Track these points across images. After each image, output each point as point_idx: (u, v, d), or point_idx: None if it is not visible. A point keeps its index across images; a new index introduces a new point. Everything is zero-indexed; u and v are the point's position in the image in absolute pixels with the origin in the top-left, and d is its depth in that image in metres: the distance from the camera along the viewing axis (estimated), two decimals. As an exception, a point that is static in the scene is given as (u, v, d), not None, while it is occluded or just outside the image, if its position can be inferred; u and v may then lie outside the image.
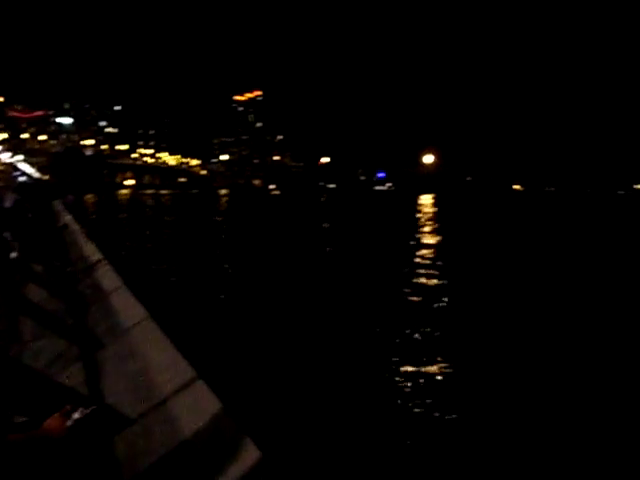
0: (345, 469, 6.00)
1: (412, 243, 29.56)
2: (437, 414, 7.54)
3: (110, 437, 3.43)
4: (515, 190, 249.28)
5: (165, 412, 3.80)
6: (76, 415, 1.84)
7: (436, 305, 14.39)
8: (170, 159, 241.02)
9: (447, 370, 9.30)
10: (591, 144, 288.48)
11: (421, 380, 8.79)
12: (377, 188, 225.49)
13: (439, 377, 9.01)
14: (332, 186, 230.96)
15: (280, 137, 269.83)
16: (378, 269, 20.00)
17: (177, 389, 4.04)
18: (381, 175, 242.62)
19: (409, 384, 8.55)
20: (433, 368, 9.36)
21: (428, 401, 7.98)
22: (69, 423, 1.81)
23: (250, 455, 3.17)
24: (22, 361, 4.58)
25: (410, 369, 9.30)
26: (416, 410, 7.71)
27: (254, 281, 17.32)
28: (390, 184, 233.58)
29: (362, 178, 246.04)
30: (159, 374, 4.42)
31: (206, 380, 4.07)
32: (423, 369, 9.30)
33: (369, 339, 11.07)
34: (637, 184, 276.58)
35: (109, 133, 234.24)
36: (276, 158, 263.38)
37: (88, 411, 1.85)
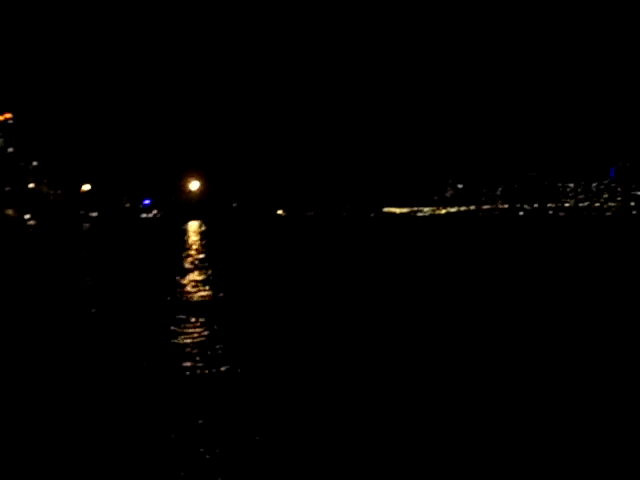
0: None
1: (178, 266, 30.59)
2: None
3: None
4: (279, 215, 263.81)
5: None
6: None
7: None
8: None
9: None
10: (344, 172, 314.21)
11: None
12: (143, 216, 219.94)
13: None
14: (94, 214, 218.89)
15: (35, 163, 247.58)
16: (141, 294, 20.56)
17: None
18: (147, 202, 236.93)
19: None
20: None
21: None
22: None
23: None
24: None
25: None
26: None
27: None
28: (156, 211, 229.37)
29: (127, 205, 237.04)
30: None
31: None
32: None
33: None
34: (385, 207, 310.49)
35: None
36: (31, 186, 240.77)
37: None
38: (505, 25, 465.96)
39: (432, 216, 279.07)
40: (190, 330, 13.09)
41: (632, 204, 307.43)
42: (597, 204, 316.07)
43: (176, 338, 12.29)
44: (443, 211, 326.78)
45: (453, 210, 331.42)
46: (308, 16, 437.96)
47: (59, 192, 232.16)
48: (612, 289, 20.20)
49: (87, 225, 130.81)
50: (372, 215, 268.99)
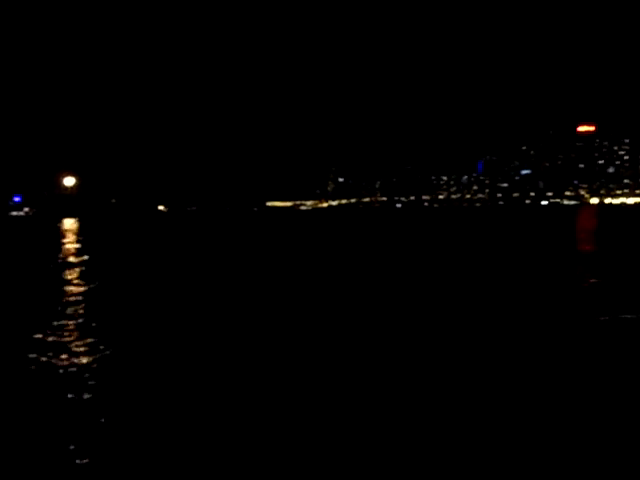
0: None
1: (60, 263, 30.29)
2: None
3: None
4: (160, 210, 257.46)
5: None
6: None
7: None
8: None
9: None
10: (227, 166, 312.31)
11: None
12: (14, 213, 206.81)
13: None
14: None
15: None
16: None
17: None
18: (17, 199, 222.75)
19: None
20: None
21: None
22: None
23: None
24: None
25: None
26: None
27: None
28: (28, 209, 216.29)
29: None
30: None
31: None
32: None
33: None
34: (269, 201, 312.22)
35: None
36: None
37: None
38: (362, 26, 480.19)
39: (315, 209, 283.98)
40: (58, 325, 13.22)
41: (499, 195, 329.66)
42: (468, 196, 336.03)
43: (45, 334, 12.36)
44: (325, 204, 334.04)
45: (335, 203, 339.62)
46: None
47: None
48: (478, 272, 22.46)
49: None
50: (255, 209, 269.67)
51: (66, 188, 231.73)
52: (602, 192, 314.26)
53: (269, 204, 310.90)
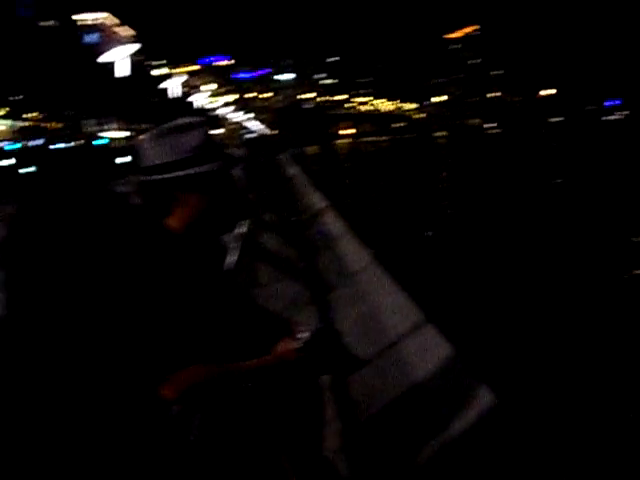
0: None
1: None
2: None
3: (344, 377, 3.41)
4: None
5: (396, 355, 3.74)
6: (304, 335, 1.78)
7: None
8: (386, 105, 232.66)
9: None
10: None
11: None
12: (605, 118, 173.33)
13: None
14: (556, 120, 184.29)
15: (498, 72, 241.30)
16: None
17: (407, 331, 3.97)
18: (610, 103, 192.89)
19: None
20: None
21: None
22: (298, 345, 1.75)
23: (486, 402, 2.96)
24: (260, 303, 3.63)
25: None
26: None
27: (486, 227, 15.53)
28: (624, 112, 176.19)
29: (590, 108, 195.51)
30: (388, 317, 4.36)
31: (436, 323, 3.93)
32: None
33: None
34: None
35: (327, 85, 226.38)
36: (494, 95, 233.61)
37: (314, 332, 1.79)
38: None
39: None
40: None
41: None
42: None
43: None
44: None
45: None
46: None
47: (519, 99, 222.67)
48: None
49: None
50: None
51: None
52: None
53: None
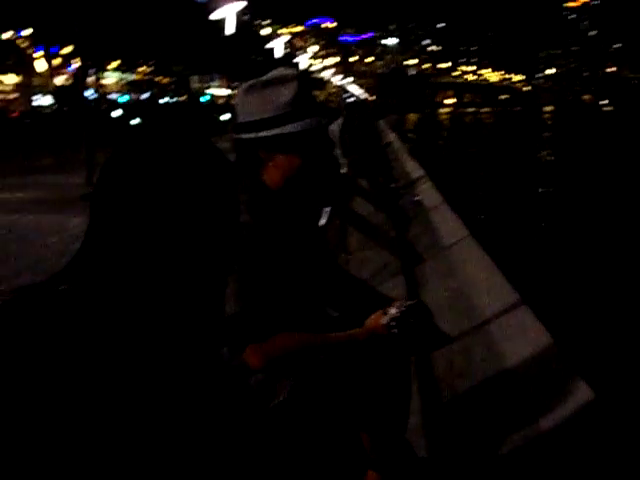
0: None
1: None
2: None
3: (429, 353, 3.34)
4: None
5: (486, 334, 3.59)
6: (393, 310, 1.70)
7: None
8: (492, 75, 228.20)
9: None
10: None
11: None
12: None
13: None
14: None
15: (617, 45, 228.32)
16: None
17: (499, 312, 3.79)
18: None
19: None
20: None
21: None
22: (386, 320, 1.69)
23: (581, 395, 2.77)
24: (348, 270, 4.38)
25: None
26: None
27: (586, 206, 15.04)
28: None
29: None
30: (480, 294, 4.22)
31: (531, 306, 3.75)
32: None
33: None
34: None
35: (432, 51, 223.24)
36: (610, 70, 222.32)
37: (405, 306, 1.71)
38: None
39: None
40: None
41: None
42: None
43: None
44: None
45: None
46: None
47: (637, 76, 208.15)
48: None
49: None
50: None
51: None
52: None
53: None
